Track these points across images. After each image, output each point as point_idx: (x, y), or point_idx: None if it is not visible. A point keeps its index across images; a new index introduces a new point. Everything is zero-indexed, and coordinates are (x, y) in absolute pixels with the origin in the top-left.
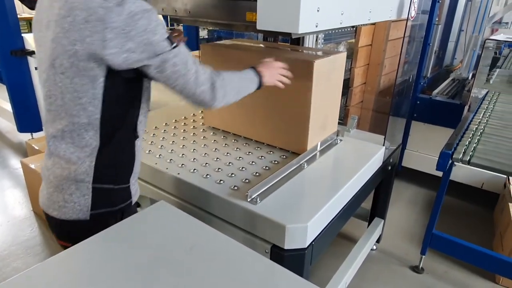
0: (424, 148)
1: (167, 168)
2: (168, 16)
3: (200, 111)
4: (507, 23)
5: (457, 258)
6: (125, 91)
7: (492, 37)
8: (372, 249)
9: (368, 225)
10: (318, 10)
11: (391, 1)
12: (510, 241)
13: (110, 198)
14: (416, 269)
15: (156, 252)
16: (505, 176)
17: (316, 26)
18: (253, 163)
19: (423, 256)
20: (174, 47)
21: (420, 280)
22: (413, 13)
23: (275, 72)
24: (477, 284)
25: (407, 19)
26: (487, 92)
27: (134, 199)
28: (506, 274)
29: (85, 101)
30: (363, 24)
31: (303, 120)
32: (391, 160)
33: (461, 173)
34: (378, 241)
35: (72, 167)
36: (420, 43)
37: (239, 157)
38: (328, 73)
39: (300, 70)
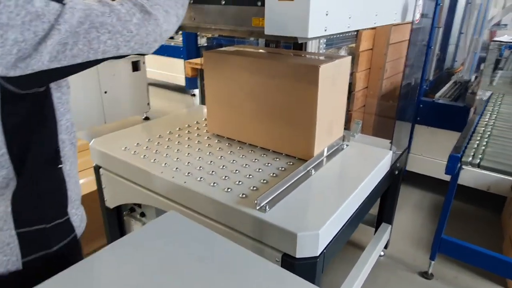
0: (428, 151)
1: (173, 177)
2: None
3: (204, 119)
4: (506, 25)
5: (467, 263)
6: (31, 110)
7: (497, 38)
8: (380, 255)
9: (375, 230)
10: (327, 14)
11: (396, 5)
12: None
13: (45, 239)
14: (425, 275)
15: (168, 262)
16: None
17: (325, 30)
18: (260, 170)
19: (432, 262)
20: (64, 3)
21: (430, 286)
22: (417, 16)
23: None
24: None
25: (412, 22)
26: (491, 94)
27: (80, 230)
28: None
29: None
30: (369, 28)
31: (310, 126)
32: (398, 165)
33: (466, 176)
34: (385, 246)
35: None
36: (421, 47)
37: (246, 164)
38: (334, 78)
39: (306, 75)
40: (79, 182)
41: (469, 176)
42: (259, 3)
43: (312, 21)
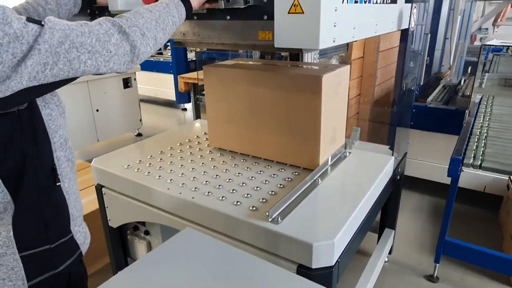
0: (423, 155)
1: (180, 193)
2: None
3: (203, 133)
4: (486, 29)
5: (473, 264)
6: (19, 129)
7: (488, 42)
8: (384, 261)
9: (379, 236)
10: (335, 25)
11: (392, 14)
12: None
13: (50, 260)
14: (431, 278)
15: (195, 281)
16: (507, 178)
17: (334, 41)
18: (267, 182)
19: (437, 265)
20: (43, 24)
21: None
22: (412, 24)
23: None
24: None
25: (408, 29)
26: (482, 96)
27: (84, 248)
28: None
29: None
30: (370, 37)
31: (314, 135)
32: (399, 170)
33: (463, 177)
34: (390, 252)
35: None
36: (410, 53)
37: (251, 177)
38: (335, 87)
39: (309, 85)
40: (80, 198)
41: (466, 177)
42: (265, 17)
43: (322, 32)
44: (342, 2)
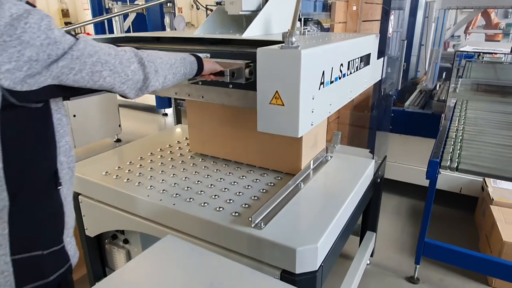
0: (402, 158)
1: (161, 200)
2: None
3: (184, 138)
4: (459, 36)
5: (452, 264)
6: (30, 126)
7: (462, 49)
8: (366, 263)
9: (360, 239)
10: (312, 111)
11: (365, 75)
12: (497, 242)
13: (41, 268)
14: (412, 279)
15: None
16: (482, 180)
17: (312, 125)
18: (249, 186)
19: (418, 266)
20: (78, 38)
21: None
22: (390, 30)
23: (213, 65)
24: None
25: (386, 37)
26: (456, 101)
27: (74, 260)
28: (501, 276)
29: None
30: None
31: (296, 140)
32: (379, 173)
33: (440, 179)
34: (371, 254)
35: None
36: (389, 58)
37: (234, 182)
38: None
39: None
40: (73, 211)
41: (442, 179)
42: None
43: (302, 121)
44: (319, 89)
